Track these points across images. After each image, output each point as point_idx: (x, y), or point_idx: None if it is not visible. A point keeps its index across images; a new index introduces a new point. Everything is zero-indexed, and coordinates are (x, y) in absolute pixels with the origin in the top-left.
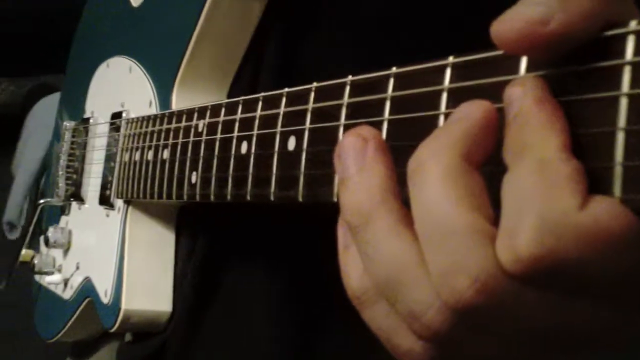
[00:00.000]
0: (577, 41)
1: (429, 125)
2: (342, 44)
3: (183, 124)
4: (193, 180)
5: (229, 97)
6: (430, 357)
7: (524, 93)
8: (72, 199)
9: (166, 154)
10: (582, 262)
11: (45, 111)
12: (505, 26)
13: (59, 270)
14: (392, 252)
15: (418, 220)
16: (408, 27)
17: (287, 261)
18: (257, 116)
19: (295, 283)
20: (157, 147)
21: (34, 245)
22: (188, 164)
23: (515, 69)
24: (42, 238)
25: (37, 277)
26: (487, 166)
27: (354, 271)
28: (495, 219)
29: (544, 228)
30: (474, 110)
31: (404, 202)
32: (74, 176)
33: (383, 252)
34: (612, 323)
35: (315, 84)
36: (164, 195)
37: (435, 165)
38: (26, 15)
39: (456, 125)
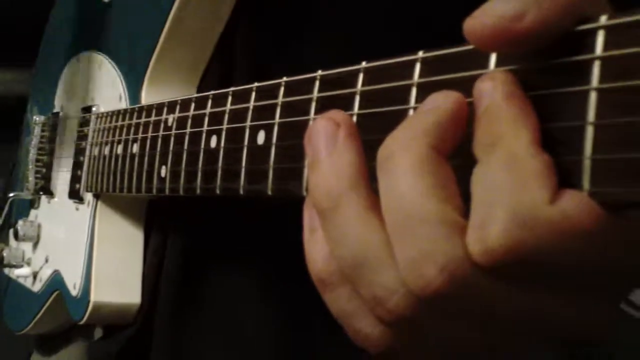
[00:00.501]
0: (550, 37)
1: (399, 119)
2: (314, 41)
3: (152, 118)
4: (162, 174)
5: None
6: (390, 342)
7: (493, 87)
8: (41, 193)
9: (135, 148)
10: (551, 254)
11: None
12: (479, 22)
13: (28, 264)
14: (359, 236)
15: (387, 210)
16: (388, 27)
17: (265, 255)
18: (227, 110)
19: (277, 277)
20: (126, 141)
21: (3, 238)
22: (157, 158)
23: (485, 64)
24: (11, 231)
25: (6, 270)
26: (456, 159)
27: (319, 254)
28: (464, 211)
29: (514, 221)
30: (444, 101)
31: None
32: (44, 170)
33: (350, 236)
34: (581, 312)
35: (285, 79)
36: (134, 189)
37: (404, 155)
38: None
39: (426, 115)
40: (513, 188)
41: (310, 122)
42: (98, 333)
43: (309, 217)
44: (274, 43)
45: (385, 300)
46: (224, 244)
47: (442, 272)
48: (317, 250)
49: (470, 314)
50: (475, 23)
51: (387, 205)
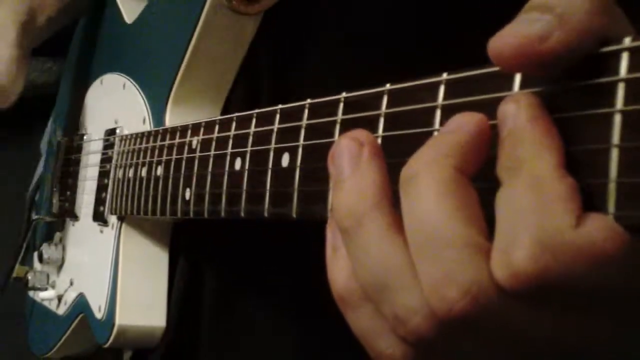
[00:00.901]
0: (574, 58)
1: (423, 141)
2: (337, 58)
3: (177, 140)
4: (187, 196)
5: (225, 112)
6: None
7: (517, 110)
8: (65, 215)
9: (160, 171)
10: (576, 279)
11: None
12: (503, 42)
13: (53, 286)
14: (382, 256)
15: (410, 231)
16: (404, 42)
17: (293, 276)
18: (251, 133)
19: (305, 300)
20: (150, 163)
21: (27, 261)
22: (182, 180)
23: (509, 86)
24: (35, 254)
25: (30, 293)
26: (480, 182)
27: (341, 273)
28: (487, 233)
29: (539, 246)
30: (467, 122)
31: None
32: (68, 193)
33: (373, 255)
34: (605, 336)
35: (309, 101)
36: (158, 212)
37: (428, 176)
38: None
39: (449, 136)
40: (538, 212)
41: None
42: (126, 357)
43: (332, 236)
44: (294, 60)
45: (407, 321)
46: (252, 268)
47: (465, 295)
48: (339, 269)
49: (493, 336)
50: (499, 43)
51: (409, 226)
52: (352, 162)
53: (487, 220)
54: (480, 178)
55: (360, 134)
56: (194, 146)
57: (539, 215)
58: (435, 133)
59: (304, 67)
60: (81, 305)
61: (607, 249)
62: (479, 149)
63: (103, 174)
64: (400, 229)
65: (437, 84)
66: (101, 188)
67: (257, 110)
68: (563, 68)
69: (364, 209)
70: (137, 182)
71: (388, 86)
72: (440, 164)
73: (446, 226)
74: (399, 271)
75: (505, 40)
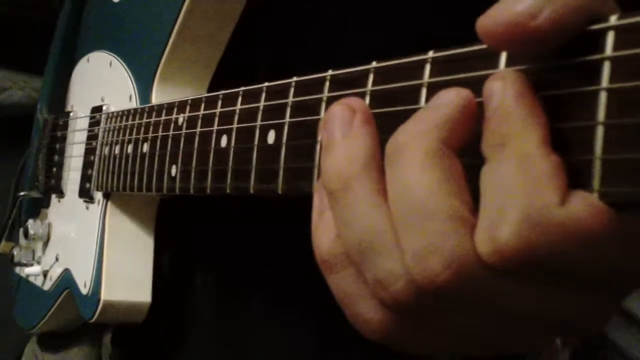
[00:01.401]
0: (563, 36)
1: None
2: (335, 39)
3: (163, 117)
4: (173, 173)
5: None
6: (390, 328)
7: (503, 87)
8: (51, 192)
9: (146, 148)
10: (560, 255)
11: None
12: (493, 19)
13: (39, 262)
14: (368, 219)
15: (394, 202)
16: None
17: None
18: (237, 110)
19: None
20: (137, 140)
21: (13, 237)
22: (168, 157)
23: (495, 64)
24: (21, 230)
25: (16, 269)
26: (466, 157)
27: (326, 236)
28: (472, 207)
29: (525, 222)
30: (454, 96)
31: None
32: (54, 169)
33: (359, 218)
34: (587, 309)
35: (295, 79)
36: (144, 188)
37: (415, 148)
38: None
39: (436, 110)
40: (523, 189)
41: (320, 122)
42: (106, 339)
43: (319, 199)
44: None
45: (389, 285)
46: (240, 247)
47: (448, 267)
48: (324, 231)
49: (475, 308)
50: (489, 20)
51: (394, 197)
52: (343, 127)
53: (472, 195)
54: (466, 154)
55: (353, 101)
56: (180, 123)
57: (524, 193)
58: None
59: (302, 62)
60: (67, 280)
61: (591, 227)
62: (465, 123)
63: (89, 151)
64: (387, 196)
65: (423, 62)
66: (87, 165)
67: (243, 88)
68: (552, 46)
69: (352, 172)
70: (123, 159)
71: (374, 64)
72: (425, 137)
73: (430, 198)
74: (383, 235)
75: (495, 17)
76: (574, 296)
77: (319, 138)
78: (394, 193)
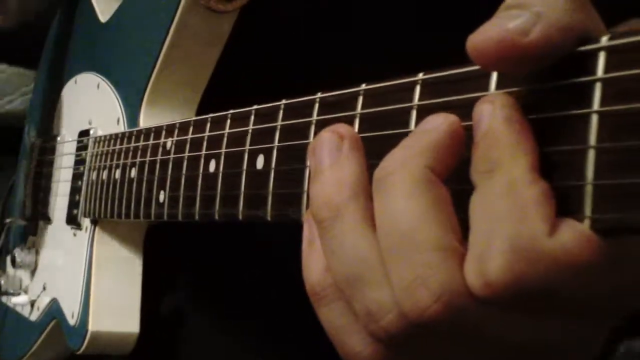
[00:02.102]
0: (554, 55)
1: (399, 142)
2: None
3: (151, 142)
4: (161, 199)
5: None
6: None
7: (492, 111)
8: (39, 218)
9: (134, 173)
10: (549, 286)
11: None
12: (484, 37)
13: (25, 291)
14: (356, 250)
15: (382, 231)
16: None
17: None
18: (226, 134)
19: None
20: (124, 165)
21: (0, 265)
22: (156, 182)
23: (485, 86)
24: (8, 258)
25: (3, 298)
26: (455, 184)
27: (315, 266)
28: (460, 234)
29: (513, 254)
30: (440, 122)
31: None
32: (41, 195)
33: (348, 248)
34: (576, 337)
35: (284, 101)
36: (132, 215)
37: (401, 176)
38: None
39: (422, 136)
40: (511, 218)
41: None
42: None
43: (308, 228)
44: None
45: (379, 318)
46: (227, 274)
47: (437, 300)
48: (313, 261)
49: (464, 338)
50: (479, 38)
51: (381, 226)
52: (331, 154)
53: (462, 223)
54: (455, 180)
55: (341, 127)
56: (168, 147)
57: (512, 223)
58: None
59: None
60: (54, 311)
61: (581, 257)
62: (451, 149)
63: (77, 176)
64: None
65: (413, 84)
66: (75, 190)
67: (232, 111)
68: (543, 66)
69: (341, 200)
70: (111, 185)
71: (364, 86)
72: (411, 164)
73: (416, 228)
74: (373, 265)
75: (485, 35)
76: (563, 324)
77: (308, 164)
78: (381, 222)
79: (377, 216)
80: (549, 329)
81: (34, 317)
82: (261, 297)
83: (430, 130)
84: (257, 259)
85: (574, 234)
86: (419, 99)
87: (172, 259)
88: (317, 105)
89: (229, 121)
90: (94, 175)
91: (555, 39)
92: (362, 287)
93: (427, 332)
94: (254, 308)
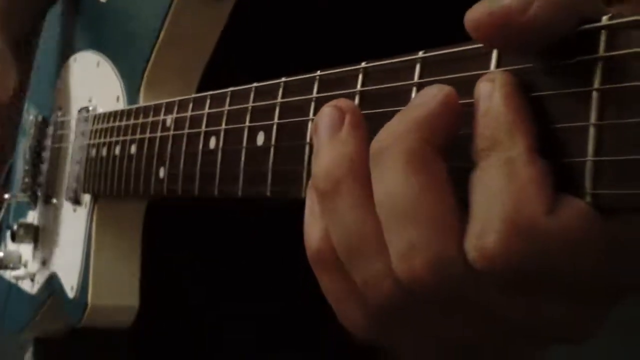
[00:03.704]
0: (552, 32)
1: None
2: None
3: (150, 118)
4: (161, 175)
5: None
6: (377, 328)
7: (493, 89)
8: (38, 194)
9: (133, 149)
10: (548, 264)
11: None
12: (482, 11)
13: (25, 265)
14: (355, 221)
15: (379, 205)
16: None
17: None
18: (226, 111)
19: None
20: (124, 142)
21: (0, 240)
22: (155, 159)
23: (486, 64)
24: (8, 233)
25: (3, 272)
26: (455, 161)
27: (316, 235)
28: (455, 207)
29: (512, 232)
30: (435, 94)
31: None
32: (41, 171)
33: (346, 221)
34: (574, 318)
35: (283, 79)
36: (131, 191)
37: (397, 149)
38: None
39: (417, 108)
40: (510, 197)
41: (310, 123)
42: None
43: (311, 199)
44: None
45: (375, 286)
46: (226, 250)
47: (431, 267)
48: (314, 231)
49: (457, 311)
50: (478, 13)
51: (378, 199)
52: (332, 129)
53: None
54: (458, 158)
55: (342, 102)
56: (168, 124)
57: (511, 201)
58: None
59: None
60: (53, 284)
61: (580, 235)
62: (447, 121)
63: (77, 153)
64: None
65: (414, 62)
66: (75, 166)
67: (232, 88)
68: (542, 45)
69: (341, 173)
70: (111, 161)
71: (364, 64)
72: (408, 137)
73: (413, 202)
74: (370, 236)
75: (484, 9)
76: (561, 305)
77: (308, 140)
78: (379, 196)
79: (375, 190)
80: (543, 308)
81: (33, 290)
82: (261, 271)
83: (425, 103)
84: (256, 233)
85: (574, 211)
86: (419, 77)
87: (172, 235)
88: (317, 83)
89: (228, 98)
90: (93, 152)
91: (553, 16)
92: (360, 257)
93: (420, 300)
94: (254, 282)
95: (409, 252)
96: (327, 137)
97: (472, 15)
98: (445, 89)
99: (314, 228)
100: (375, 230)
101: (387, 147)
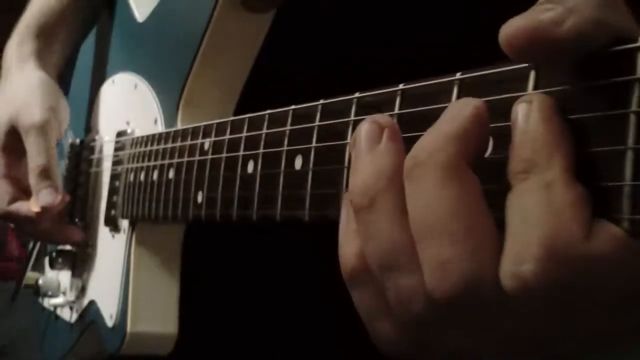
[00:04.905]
0: (586, 49)
1: None
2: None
3: (188, 142)
4: (199, 200)
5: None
6: (409, 344)
7: (530, 111)
8: (77, 220)
9: (171, 174)
10: (583, 288)
11: None
12: (516, 26)
13: (64, 293)
14: (390, 237)
15: (414, 220)
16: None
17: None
18: (263, 134)
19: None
20: (162, 166)
21: (38, 267)
22: (194, 183)
23: (523, 87)
24: (46, 260)
25: (41, 300)
26: (492, 184)
27: (351, 250)
28: (489, 224)
29: (549, 258)
30: (464, 107)
31: None
32: (79, 196)
33: (381, 236)
34: (602, 336)
35: (322, 101)
36: (170, 216)
37: (432, 164)
38: None
39: (449, 123)
40: (547, 221)
41: (348, 147)
42: None
43: (346, 213)
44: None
45: (408, 302)
46: (264, 276)
47: (463, 283)
48: (349, 246)
49: (486, 327)
50: (512, 28)
51: (413, 214)
52: (371, 144)
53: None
54: (493, 180)
55: (381, 118)
56: (205, 148)
57: (548, 225)
58: None
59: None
60: (92, 312)
61: (616, 261)
62: (478, 133)
63: (114, 177)
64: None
65: (451, 83)
66: (112, 191)
67: (269, 111)
68: (575, 60)
69: (378, 188)
70: (149, 186)
71: (401, 86)
72: (441, 151)
73: (448, 218)
74: (404, 252)
75: (518, 23)
76: (592, 321)
77: (346, 164)
78: (413, 212)
79: (409, 205)
80: (577, 326)
81: (72, 319)
82: (300, 296)
83: (455, 117)
84: (293, 258)
85: (611, 238)
86: (457, 98)
87: (211, 260)
88: (354, 106)
89: (266, 122)
90: (131, 176)
91: (588, 32)
92: (393, 274)
93: (450, 315)
94: (292, 309)
95: (442, 266)
96: (366, 150)
97: (507, 31)
98: (473, 102)
99: (349, 244)
100: (409, 246)
101: (421, 162)
